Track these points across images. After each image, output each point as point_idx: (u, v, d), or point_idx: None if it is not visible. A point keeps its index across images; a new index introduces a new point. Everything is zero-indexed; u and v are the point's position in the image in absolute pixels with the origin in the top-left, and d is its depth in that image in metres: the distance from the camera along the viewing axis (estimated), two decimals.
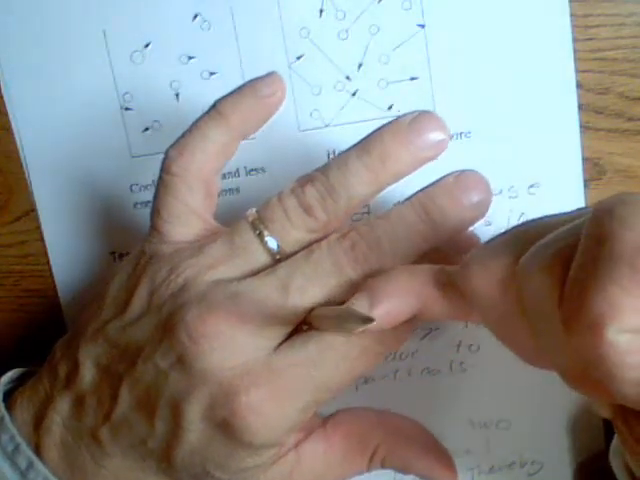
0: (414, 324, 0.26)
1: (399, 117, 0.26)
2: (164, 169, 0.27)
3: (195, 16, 0.31)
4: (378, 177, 0.25)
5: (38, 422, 0.27)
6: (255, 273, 0.25)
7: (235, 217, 0.27)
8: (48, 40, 0.31)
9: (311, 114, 0.32)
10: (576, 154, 0.32)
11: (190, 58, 0.32)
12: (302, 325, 0.25)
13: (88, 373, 0.26)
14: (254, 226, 0.26)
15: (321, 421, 0.29)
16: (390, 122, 0.26)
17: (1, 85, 0.32)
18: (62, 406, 0.27)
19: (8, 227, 0.34)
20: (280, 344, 0.25)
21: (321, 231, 0.26)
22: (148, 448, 0.26)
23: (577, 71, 0.31)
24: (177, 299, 0.25)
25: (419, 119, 0.25)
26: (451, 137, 0.26)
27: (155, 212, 0.27)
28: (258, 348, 0.25)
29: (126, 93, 0.32)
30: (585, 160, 0.31)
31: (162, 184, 0.27)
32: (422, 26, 0.31)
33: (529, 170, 0.32)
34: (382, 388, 0.34)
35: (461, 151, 0.32)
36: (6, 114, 0.32)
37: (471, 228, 0.26)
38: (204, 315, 0.24)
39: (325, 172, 0.26)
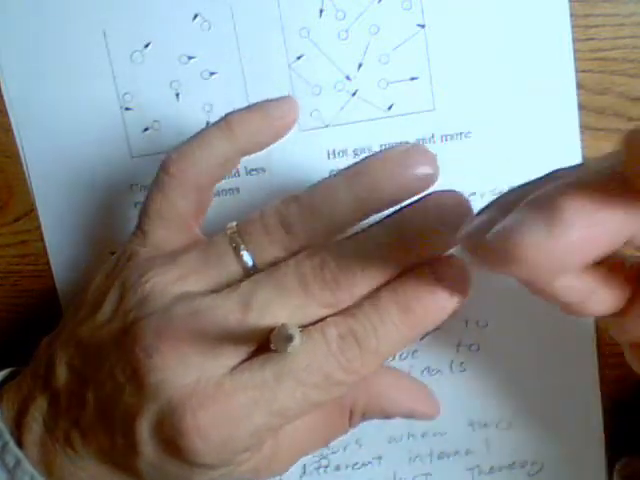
0: (389, 353, 0.25)
1: (389, 149, 0.25)
2: (162, 168, 0.27)
3: (195, 16, 0.31)
4: (363, 205, 0.25)
5: (20, 419, 0.27)
6: (227, 287, 0.25)
7: (235, 217, 0.27)
8: (48, 40, 0.31)
9: (311, 114, 0.32)
10: (576, 154, 0.32)
11: (190, 58, 0.32)
12: (270, 345, 0.24)
13: (62, 373, 0.26)
14: (231, 239, 0.25)
15: None
16: (381, 152, 0.25)
17: (1, 85, 0.32)
18: (42, 404, 0.26)
19: (8, 227, 0.34)
20: (241, 363, 0.24)
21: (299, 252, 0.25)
22: (114, 460, 0.25)
23: (577, 71, 0.31)
24: (141, 308, 0.25)
25: (409, 152, 0.25)
26: (437, 175, 0.25)
27: (143, 210, 0.27)
28: (213, 367, 0.24)
29: (126, 93, 0.32)
30: (585, 160, 0.31)
31: (156, 183, 0.27)
32: (422, 26, 0.31)
33: (529, 170, 0.32)
34: None
35: (461, 151, 0.32)
36: (6, 114, 0.32)
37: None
38: (160, 329, 0.24)
39: (311, 193, 0.25)
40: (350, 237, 0.25)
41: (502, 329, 0.34)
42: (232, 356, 0.24)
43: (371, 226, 0.25)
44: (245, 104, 0.28)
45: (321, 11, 0.31)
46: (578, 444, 0.35)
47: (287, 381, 0.24)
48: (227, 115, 0.27)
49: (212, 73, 0.32)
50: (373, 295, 0.25)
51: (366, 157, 0.25)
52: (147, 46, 0.32)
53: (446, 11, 0.31)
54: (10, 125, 0.32)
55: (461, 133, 0.32)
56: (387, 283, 0.25)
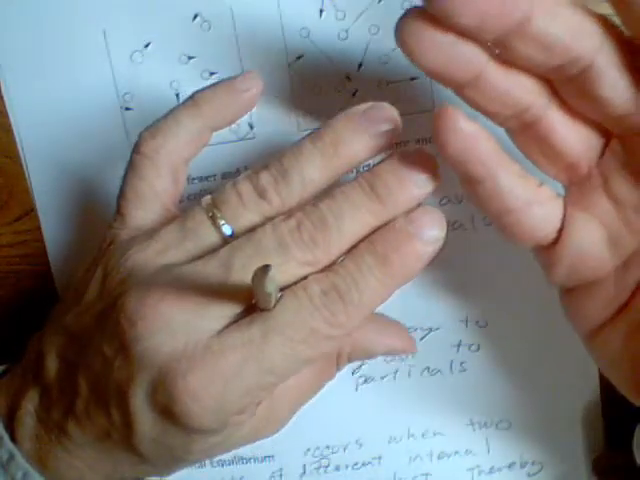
0: (379, 301, 0.26)
1: (351, 108, 0.26)
2: (135, 149, 0.27)
3: (195, 16, 0.31)
4: (331, 162, 0.26)
5: (13, 413, 0.27)
6: None
7: None
8: (48, 40, 0.31)
9: (311, 114, 0.32)
10: None
11: (190, 58, 0.32)
12: (256, 308, 0.24)
13: (52, 364, 0.26)
14: (208, 210, 0.26)
15: None
16: (345, 111, 0.26)
17: (1, 85, 0.32)
18: (33, 397, 0.26)
19: (8, 227, 0.34)
20: (229, 327, 0.25)
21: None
22: (113, 440, 0.25)
23: None
24: (124, 284, 0.25)
25: (372, 109, 0.26)
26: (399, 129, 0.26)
27: (120, 193, 0.28)
28: (199, 330, 0.24)
29: (126, 93, 0.32)
30: None
31: (131, 165, 0.27)
32: None
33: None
34: (382, 388, 0.34)
35: None
36: (6, 114, 0.32)
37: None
38: (143, 297, 0.24)
39: (280, 158, 0.26)
40: (324, 196, 0.26)
41: (502, 329, 0.34)
42: (217, 317, 0.24)
43: (344, 185, 0.26)
44: None
45: (321, 11, 0.31)
46: (578, 444, 0.35)
47: (274, 338, 0.24)
48: (194, 93, 0.28)
49: (212, 73, 0.32)
50: (352, 250, 0.25)
51: (332, 118, 0.26)
52: (147, 46, 0.32)
53: None
54: (10, 125, 0.32)
55: None
56: (365, 238, 0.25)
